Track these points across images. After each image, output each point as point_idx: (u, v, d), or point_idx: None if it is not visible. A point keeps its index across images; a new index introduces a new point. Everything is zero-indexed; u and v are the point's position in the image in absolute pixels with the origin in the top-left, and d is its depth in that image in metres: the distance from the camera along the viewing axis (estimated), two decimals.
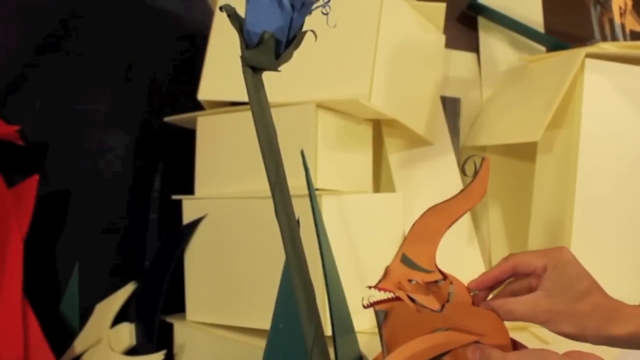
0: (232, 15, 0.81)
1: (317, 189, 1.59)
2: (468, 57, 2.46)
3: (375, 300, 0.88)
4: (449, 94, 2.31)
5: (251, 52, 0.79)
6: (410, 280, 0.87)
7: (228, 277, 1.78)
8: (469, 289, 0.91)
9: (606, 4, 2.28)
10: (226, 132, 1.82)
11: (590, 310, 0.83)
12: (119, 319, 1.85)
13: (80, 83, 2.02)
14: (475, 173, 0.91)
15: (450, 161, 2.11)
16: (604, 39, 2.28)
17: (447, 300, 0.87)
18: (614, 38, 2.28)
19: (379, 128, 1.93)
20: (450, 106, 2.29)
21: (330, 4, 0.79)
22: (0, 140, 1.82)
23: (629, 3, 2.36)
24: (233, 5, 0.82)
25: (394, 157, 1.95)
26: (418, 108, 1.97)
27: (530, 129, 1.91)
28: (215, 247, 1.81)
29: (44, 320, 1.70)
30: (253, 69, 0.82)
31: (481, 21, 2.53)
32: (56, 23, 1.99)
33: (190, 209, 1.86)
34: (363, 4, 1.77)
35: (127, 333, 1.82)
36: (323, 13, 0.79)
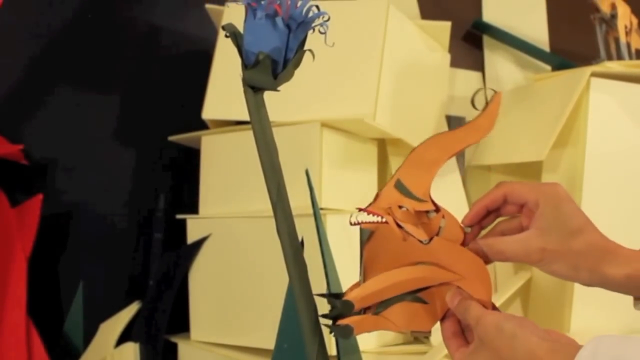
0: (232, 35, 0.81)
1: (321, 208, 1.59)
2: (473, 76, 2.46)
3: (362, 221, 0.85)
4: (454, 113, 2.31)
5: (249, 72, 0.79)
6: (400, 207, 0.85)
7: (232, 297, 1.78)
8: (462, 227, 0.87)
9: (611, 23, 2.28)
10: (230, 151, 1.82)
11: (585, 249, 0.80)
12: (123, 339, 1.84)
13: (85, 101, 2.02)
14: (485, 106, 0.88)
15: (455, 181, 2.10)
16: (609, 57, 2.28)
17: (437, 234, 0.85)
18: (620, 57, 2.28)
19: (384, 147, 1.93)
20: (455, 125, 2.28)
21: (327, 23, 0.79)
22: (4, 159, 1.82)
23: (635, 22, 2.37)
24: (238, 25, 0.82)
25: None
26: (423, 127, 1.97)
27: (536, 148, 1.90)
28: (219, 267, 1.80)
29: (48, 339, 1.70)
30: (253, 89, 0.82)
31: (486, 40, 2.53)
32: (61, 42, 2.00)
33: (194, 228, 1.86)
34: (368, 23, 1.77)
35: (131, 353, 1.81)
36: (320, 32, 0.79)
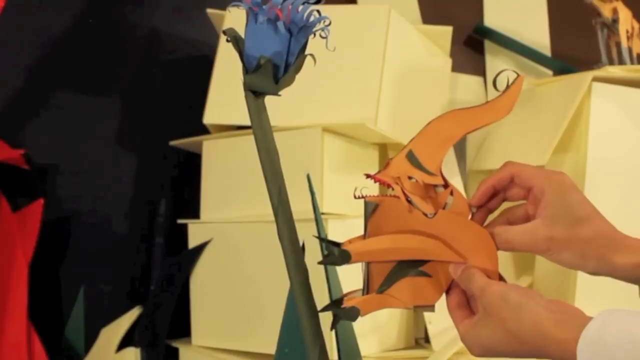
0: (233, 39, 0.81)
1: (323, 213, 1.59)
2: (474, 80, 2.46)
3: (367, 195, 0.85)
4: None
5: (251, 76, 0.79)
6: (410, 178, 0.84)
7: (233, 302, 1.78)
8: (470, 206, 0.87)
9: (613, 28, 2.28)
10: (231, 156, 1.82)
11: (593, 237, 0.80)
12: (124, 344, 1.84)
13: (86, 106, 2.02)
14: (507, 87, 0.86)
15: (456, 185, 2.10)
16: (611, 62, 2.28)
17: (443, 208, 0.85)
18: (621, 61, 2.28)
19: (385, 152, 1.92)
20: None
21: (329, 28, 0.79)
22: (5, 163, 1.82)
23: (636, 26, 2.37)
24: (239, 30, 0.82)
25: None
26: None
27: (537, 153, 1.90)
28: (220, 272, 1.80)
29: (49, 344, 1.70)
30: (254, 93, 0.81)
31: (488, 45, 2.53)
32: (62, 47, 2.00)
33: (195, 233, 1.85)
34: (369, 28, 1.77)
35: (132, 358, 1.81)
36: (321, 37, 0.78)
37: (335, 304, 0.85)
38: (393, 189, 0.84)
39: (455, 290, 0.87)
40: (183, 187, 2.16)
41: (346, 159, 1.73)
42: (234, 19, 1.77)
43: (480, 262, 0.84)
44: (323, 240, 0.85)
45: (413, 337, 1.87)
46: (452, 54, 2.20)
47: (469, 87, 2.41)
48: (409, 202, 0.83)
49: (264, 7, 0.76)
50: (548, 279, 1.96)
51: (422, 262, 0.86)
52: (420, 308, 0.88)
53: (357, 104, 1.72)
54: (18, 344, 1.63)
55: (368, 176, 0.84)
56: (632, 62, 2.29)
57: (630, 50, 2.30)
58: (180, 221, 1.90)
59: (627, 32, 2.30)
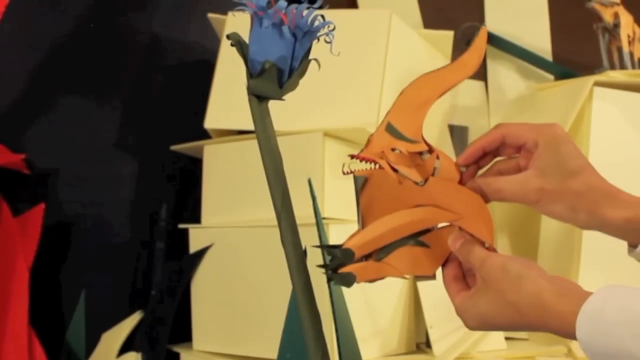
0: (237, 44, 0.80)
1: (324, 218, 1.59)
2: (476, 85, 2.46)
3: (355, 170, 0.84)
4: (456, 122, 2.31)
5: (255, 80, 0.79)
6: (393, 150, 0.84)
7: (235, 306, 1.77)
8: (457, 166, 0.86)
9: (614, 32, 2.28)
10: (233, 161, 1.82)
11: (584, 190, 0.79)
12: (125, 348, 1.84)
13: (87, 111, 2.02)
14: (470, 42, 0.87)
15: None
16: (612, 67, 2.27)
17: (432, 175, 0.84)
18: (623, 66, 2.28)
19: None
20: (458, 134, 2.28)
21: (333, 32, 0.79)
22: (7, 168, 1.81)
23: (637, 31, 2.36)
24: (241, 34, 0.82)
25: None
26: (425, 136, 1.96)
27: None
28: (221, 276, 1.80)
29: (50, 349, 1.70)
30: (258, 98, 0.81)
31: (489, 49, 2.53)
32: (63, 52, 2.00)
33: (197, 237, 1.85)
34: (371, 33, 1.77)
35: None
36: (326, 41, 0.78)
37: (332, 258, 0.83)
38: (380, 165, 0.83)
39: (452, 264, 0.86)
40: (184, 191, 2.15)
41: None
42: (236, 23, 1.77)
43: (476, 228, 0.83)
44: (321, 247, 0.84)
45: (414, 342, 1.87)
46: (454, 59, 2.19)
47: (470, 92, 2.41)
48: (397, 172, 0.82)
49: (268, 11, 0.76)
50: (552, 257, 1.95)
51: (422, 232, 0.85)
52: (421, 278, 0.87)
53: (358, 108, 1.72)
54: (19, 348, 1.63)
55: (352, 156, 0.84)
56: (633, 67, 2.29)
57: (631, 54, 2.30)
58: (181, 226, 1.90)
59: (629, 36, 2.30)
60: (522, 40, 2.50)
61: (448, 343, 1.76)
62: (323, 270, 0.84)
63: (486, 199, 0.84)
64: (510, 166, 0.85)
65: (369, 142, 0.86)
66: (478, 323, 0.80)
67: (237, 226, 1.77)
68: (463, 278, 0.85)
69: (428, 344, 1.82)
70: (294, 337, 1.23)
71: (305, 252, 0.87)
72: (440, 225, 0.86)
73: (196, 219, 1.88)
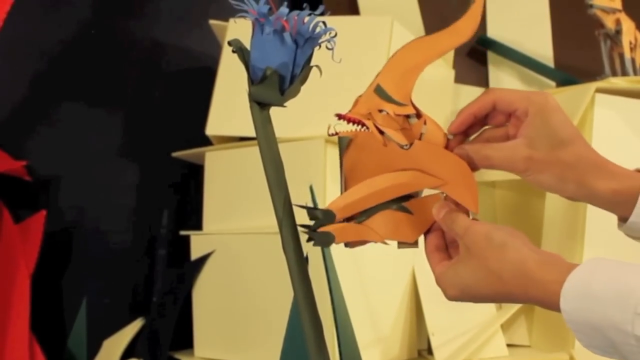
0: (238, 50, 0.80)
1: None
2: (477, 92, 2.45)
3: (340, 131, 0.84)
4: None
5: (256, 87, 0.79)
6: (381, 111, 0.83)
7: (236, 313, 1.77)
8: (445, 134, 0.85)
9: (616, 39, 2.28)
10: (234, 167, 1.82)
11: (573, 160, 0.78)
12: (126, 355, 1.84)
13: (89, 118, 2.03)
14: (467, 8, 0.85)
15: None
16: (614, 73, 2.27)
17: (418, 139, 0.83)
18: (624, 73, 2.28)
19: None
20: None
21: (335, 39, 0.78)
22: (8, 175, 1.81)
23: None
24: (242, 40, 0.82)
25: None
26: None
27: None
28: (223, 283, 1.80)
29: (51, 356, 1.70)
30: (260, 105, 0.81)
31: (490, 56, 2.53)
32: (65, 59, 2.00)
33: (198, 244, 1.85)
34: (372, 39, 1.77)
35: None
36: (328, 48, 0.78)
37: (314, 220, 0.82)
38: (365, 127, 0.83)
39: (435, 233, 0.85)
40: (185, 198, 2.16)
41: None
42: (237, 29, 1.77)
43: (460, 194, 0.82)
44: (304, 207, 0.83)
45: (416, 349, 1.86)
46: (455, 65, 2.20)
47: (472, 98, 2.39)
48: (382, 134, 0.81)
49: (270, 18, 0.76)
50: (556, 238, 1.95)
51: (405, 198, 0.84)
52: (403, 245, 0.86)
53: None
54: (20, 355, 1.62)
55: (339, 116, 0.83)
56: (635, 74, 2.29)
57: (633, 61, 2.30)
58: (182, 233, 1.90)
59: (631, 43, 2.30)
60: (523, 47, 2.50)
61: (450, 350, 1.76)
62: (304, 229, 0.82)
63: (474, 167, 0.82)
64: (500, 134, 0.84)
65: (356, 102, 0.85)
66: (458, 292, 0.79)
67: (238, 233, 1.77)
68: (446, 249, 0.84)
69: (430, 351, 1.81)
70: (295, 344, 1.23)
71: (306, 258, 0.87)
72: (424, 192, 0.85)
73: (197, 225, 1.88)
